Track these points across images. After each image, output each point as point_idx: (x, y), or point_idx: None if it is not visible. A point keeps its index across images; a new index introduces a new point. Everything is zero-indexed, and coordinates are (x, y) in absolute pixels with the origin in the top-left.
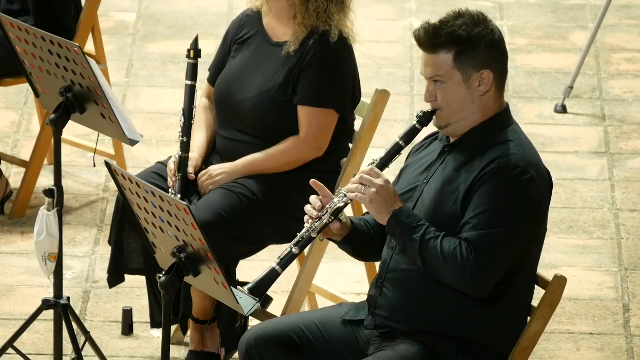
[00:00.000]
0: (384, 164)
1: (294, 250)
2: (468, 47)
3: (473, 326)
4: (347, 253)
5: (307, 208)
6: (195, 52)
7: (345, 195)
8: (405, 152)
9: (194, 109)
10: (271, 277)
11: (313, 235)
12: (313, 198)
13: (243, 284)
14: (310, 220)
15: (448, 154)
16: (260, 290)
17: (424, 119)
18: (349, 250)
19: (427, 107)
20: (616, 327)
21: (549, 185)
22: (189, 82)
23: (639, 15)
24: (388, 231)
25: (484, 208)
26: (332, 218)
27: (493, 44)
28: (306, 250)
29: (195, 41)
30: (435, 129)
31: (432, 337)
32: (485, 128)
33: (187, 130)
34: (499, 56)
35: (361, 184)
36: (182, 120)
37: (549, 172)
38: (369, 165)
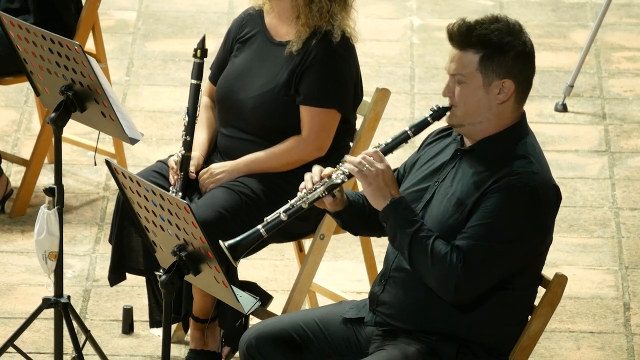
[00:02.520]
0: (388, 149)
1: (282, 216)
2: (496, 52)
3: (474, 326)
4: (339, 225)
5: (306, 177)
6: (202, 51)
7: (344, 173)
8: (417, 142)
9: (198, 109)
10: (254, 238)
11: (304, 206)
12: (315, 168)
13: (244, 283)
14: (304, 190)
15: (460, 159)
16: (240, 249)
17: (437, 114)
18: (339, 223)
19: (445, 102)
20: (616, 325)
21: (556, 202)
22: (194, 81)
23: (639, 13)
24: (380, 217)
25: (484, 221)
26: (326, 193)
27: (522, 55)
28: (306, 249)
29: (202, 41)
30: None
31: (433, 337)
32: (500, 139)
33: (190, 129)
34: (525, 69)
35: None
36: (186, 119)
37: (557, 189)
38: (374, 147)
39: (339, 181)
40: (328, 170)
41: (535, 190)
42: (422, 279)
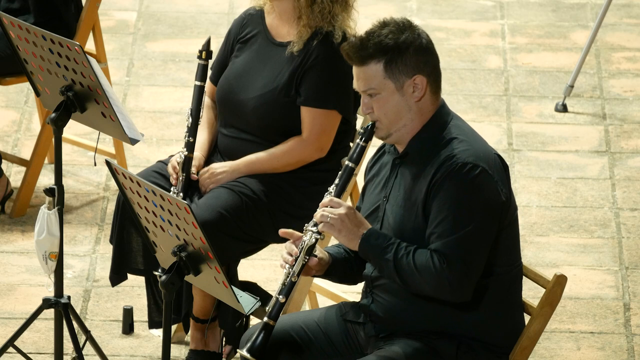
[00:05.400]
0: (340, 190)
1: (280, 299)
2: (397, 54)
3: (468, 322)
4: (334, 282)
5: (283, 254)
6: (207, 53)
7: (314, 232)
8: (363, 168)
9: (202, 110)
10: (266, 332)
11: (294, 280)
12: (287, 245)
13: (244, 283)
14: (287, 266)
15: (399, 167)
16: (258, 348)
17: (367, 135)
18: (335, 279)
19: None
20: (617, 326)
21: (502, 169)
22: (198, 83)
23: (639, 14)
24: (361, 255)
25: (444, 214)
26: (307, 257)
27: (421, 48)
28: None
29: (208, 42)
30: (380, 142)
31: (432, 335)
32: (426, 132)
33: (193, 130)
34: (429, 59)
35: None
36: (190, 120)
37: (499, 156)
38: (326, 195)
39: (313, 240)
40: (297, 235)
41: (475, 164)
42: (421, 294)
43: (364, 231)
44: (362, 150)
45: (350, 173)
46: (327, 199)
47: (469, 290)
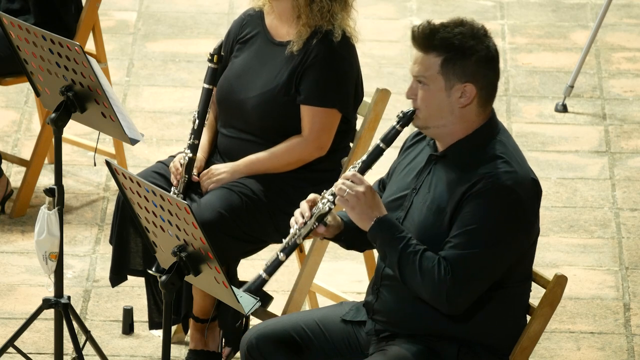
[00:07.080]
0: (365, 167)
1: (280, 256)
2: (458, 56)
3: (472, 326)
4: (342, 247)
5: (296, 213)
6: (218, 57)
7: (329, 200)
8: (398, 145)
9: (209, 113)
10: (258, 284)
11: (298, 241)
12: (302, 204)
13: (244, 283)
14: (296, 226)
15: (435, 164)
16: (251, 291)
17: (405, 120)
18: (343, 245)
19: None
20: (617, 326)
21: (536, 195)
22: (206, 86)
23: (639, 14)
24: (369, 237)
25: (466, 228)
26: (317, 223)
27: (485, 60)
28: (307, 250)
29: (220, 46)
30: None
31: (433, 338)
32: (469, 142)
33: (198, 132)
34: (488, 73)
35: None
36: (197, 122)
37: (535, 181)
38: (350, 168)
39: (327, 209)
40: (312, 196)
41: (513, 189)
42: (416, 294)
43: (379, 215)
44: (397, 133)
45: (380, 153)
46: (350, 172)
47: (463, 307)
